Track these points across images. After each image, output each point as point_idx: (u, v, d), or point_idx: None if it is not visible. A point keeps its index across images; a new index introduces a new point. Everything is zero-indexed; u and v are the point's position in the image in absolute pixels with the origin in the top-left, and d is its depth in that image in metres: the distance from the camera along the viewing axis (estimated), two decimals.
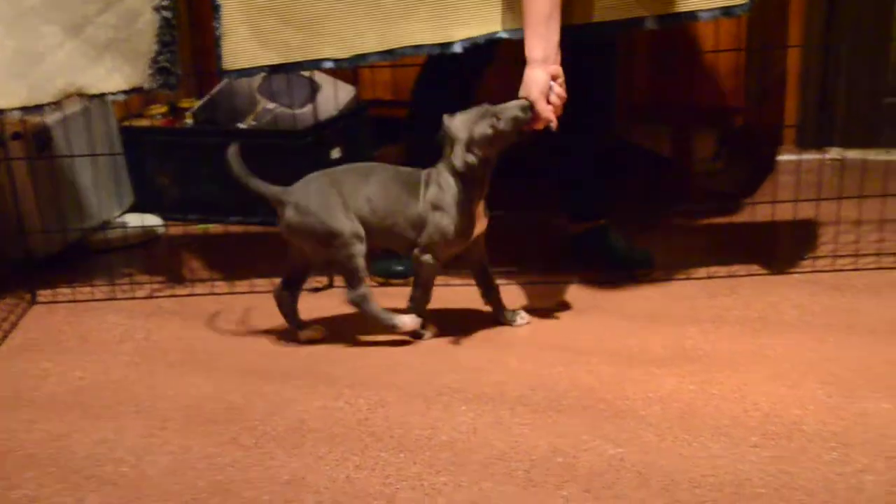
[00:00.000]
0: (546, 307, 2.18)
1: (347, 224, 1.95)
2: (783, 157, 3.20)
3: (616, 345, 1.97)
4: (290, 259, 2.06)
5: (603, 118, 2.35)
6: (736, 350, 1.91)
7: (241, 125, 2.88)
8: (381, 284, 2.37)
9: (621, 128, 2.85)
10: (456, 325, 2.11)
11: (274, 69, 2.08)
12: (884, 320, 1.99)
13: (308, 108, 2.84)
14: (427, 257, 1.99)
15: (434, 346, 2.01)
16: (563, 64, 2.35)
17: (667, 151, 2.98)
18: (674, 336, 1.98)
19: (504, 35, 2.00)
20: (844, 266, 2.27)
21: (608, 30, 1.99)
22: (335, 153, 2.96)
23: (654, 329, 2.02)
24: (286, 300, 2.07)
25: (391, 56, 2.04)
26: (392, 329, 2.02)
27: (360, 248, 1.96)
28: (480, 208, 1.99)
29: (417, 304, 2.05)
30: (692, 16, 1.97)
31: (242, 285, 2.40)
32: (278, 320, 2.19)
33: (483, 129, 1.90)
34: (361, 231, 1.96)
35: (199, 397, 1.85)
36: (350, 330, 2.12)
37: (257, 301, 2.31)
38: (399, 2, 1.99)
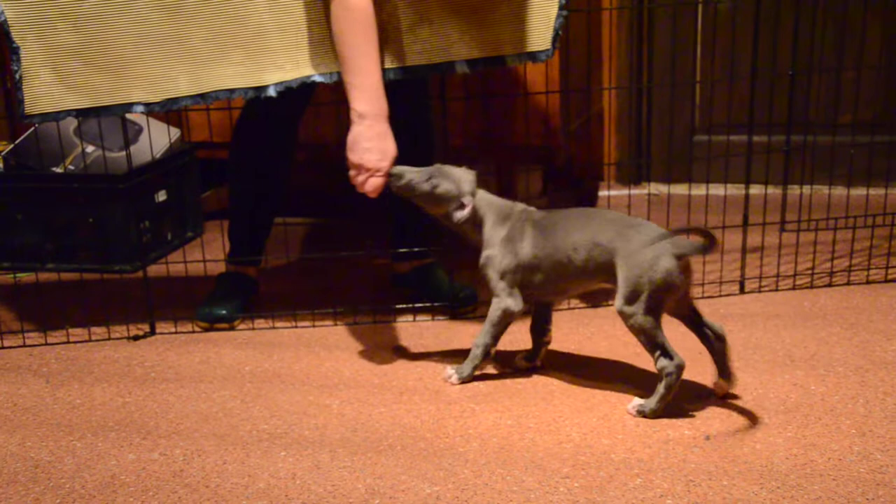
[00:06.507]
0: (371, 347, 2.19)
1: None
2: (604, 193, 3.34)
3: (439, 383, 1.99)
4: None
5: (423, 160, 2.39)
6: (547, 382, 1.97)
7: (57, 169, 2.78)
8: (206, 330, 2.33)
9: None
10: (277, 367, 2.09)
11: (81, 113, 2.02)
12: (689, 349, 2.08)
13: (129, 151, 2.77)
14: None
15: (255, 392, 1.99)
16: None
17: (493, 189, 3.05)
18: (494, 371, 2.03)
19: (318, 79, 2.01)
20: None
21: (420, 73, 2.04)
22: (160, 196, 2.90)
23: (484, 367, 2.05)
24: None
25: (204, 100, 2.01)
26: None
27: None
28: None
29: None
30: (501, 60, 2.05)
31: (57, 335, 2.31)
32: (95, 370, 2.12)
33: None
34: None
35: (1, 457, 1.75)
36: (172, 378, 2.06)
37: (73, 352, 2.22)
38: (210, 45, 1.98)
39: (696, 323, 1.87)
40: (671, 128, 3.25)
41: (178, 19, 1.97)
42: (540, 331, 2.03)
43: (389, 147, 1.93)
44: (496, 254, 1.91)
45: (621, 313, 1.79)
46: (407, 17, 1.99)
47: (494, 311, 1.94)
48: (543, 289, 1.93)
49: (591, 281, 1.88)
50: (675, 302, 1.81)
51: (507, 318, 1.94)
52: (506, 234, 1.91)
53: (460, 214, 1.91)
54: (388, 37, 1.99)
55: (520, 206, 1.96)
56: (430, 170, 1.93)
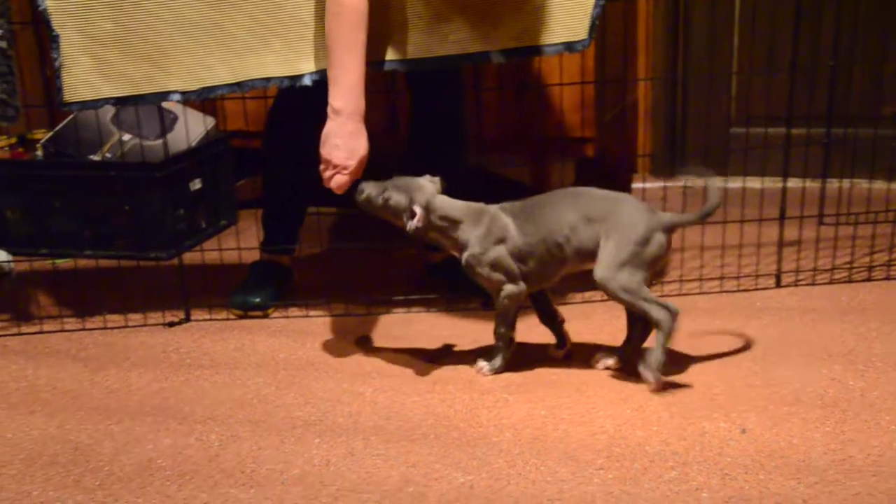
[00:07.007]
0: (403, 336, 2.19)
1: None
2: (637, 185, 3.32)
3: (472, 373, 1.99)
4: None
5: (456, 150, 2.39)
6: (585, 374, 1.96)
7: (94, 157, 2.81)
8: (240, 317, 2.34)
9: (479, 159, 2.91)
10: (310, 355, 2.10)
11: (119, 101, 2.03)
12: (725, 342, 2.08)
13: (164, 139, 2.79)
14: None
15: (289, 379, 2.00)
16: (414, 99, 2.40)
17: (526, 180, 3.05)
18: (527, 362, 2.02)
19: None
20: (690, 290, 2.37)
21: (455, 63, 2.03)
22: (195, 185, 2.92)
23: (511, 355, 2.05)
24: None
25: (241, 88, 2.02)
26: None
27: None
28: None
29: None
30: (537, 50, 2.04)
31: (94, 321, 2.33)
32: (132, 355, 2.14)
33: None
34: None
35: (42, 439, 1.78)
36: (207, 364, 2.08)
37: (111, 337, 2.25)
38: (247, 33, 1.99)
39: None
40: (708, 119, 3.22)
41: (216, 7, 1.98)
42: (549, 316, 2.03)
43: (359, 146, 1.92)
44: (478, 250, 1.91)
45: (603, 280, 1.83)
46: (442, 7, 1.98)
47: (500, 301, 1.94)
48: (534, 276, 1.93)
49: (584, 261, 1.89)
50: None
51: (513, 302, 1.94)
52: (483, 231, 1.91)
53: (410, 224, 1.88)
54: (422, 27, 1.99)
55: (491, 206, 1.96)
56: (385, 182, 1.93)
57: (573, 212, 1.87)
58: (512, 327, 1.98)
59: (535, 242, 1.89)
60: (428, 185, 1.92)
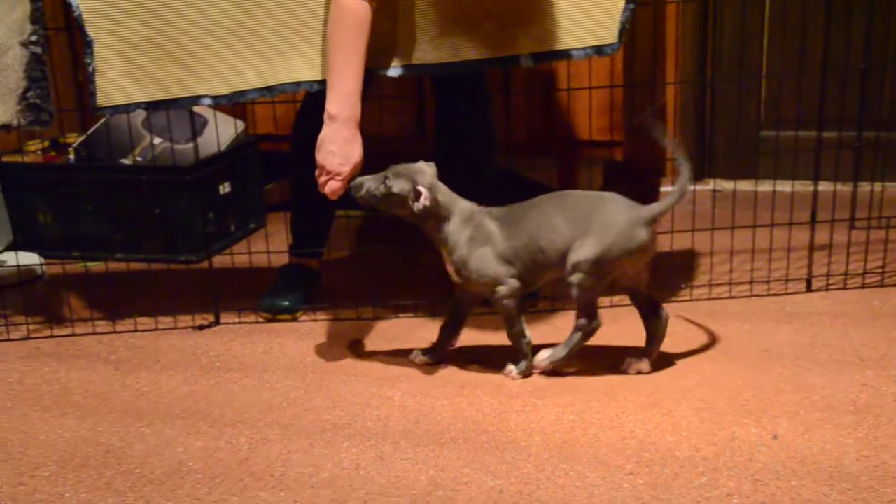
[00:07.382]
0: (431, 339, 2.19)
1: None
2: (665, 188, 3.31)
3: (500, 377, 1.99)
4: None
5: (482, 154, 2.39)
6: (614, 378, 1.95)
7: (125, 161, 2.83)
8: (269, 321, 2.35)
9: (508, 163, 2.90)
10: (339, 359, 2.11)
11: (151, 105, 2.05)
12: (755, 347, 2.06)
13: (195, 143, 2.81)
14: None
15: (318, 382, 2.00)
16: (438, 104, 2.40)
17: (554, 184, 3.04)
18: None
19: (380, 72, 2.02)
20: (720, 294, 2.36)
21: (484, 67, 2.04)
22: (225, 188, 2.94)
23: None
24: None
25: (270, 93, 2.04)
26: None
27: None
28: None
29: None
30: (566, 54, 2.04)
31: (125, 324, 2.35)
32: (162, 358, 2.16)
33: None
34: None
35: (74, 441, 1.80)
36: (237, 367, 2.09)
37: (141, 340, 2.27)
38: (278, 38, 2.00)
39: (647, 298, 1.97)
40: (737, 123, 3.20)
41: (247, 11, 1.99)
42: (451, 332, 2.07)
43: (354, 153, 1.93)
44: (465, 253, 1.92)
45: (575, 264, 1.86)
46: (472, 11, 1.98)
47: (499, 305, 1.95)
48: (518, 279, 1.94)
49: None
50: (637, 270, 1.92)
51: (511, 301, 1.95)
52: (469, 235, 1.92)
53: (417, 204, 1.89)
54: (452, 31, 1.99)
55: (479, 209, 1.97)
56: (383, 173, 1.93)
57: (559, 215, 1.89)
58: (522, 326, 1.99)
59: (520, 247, 1.91)
60: (427, 169, 1.94)
